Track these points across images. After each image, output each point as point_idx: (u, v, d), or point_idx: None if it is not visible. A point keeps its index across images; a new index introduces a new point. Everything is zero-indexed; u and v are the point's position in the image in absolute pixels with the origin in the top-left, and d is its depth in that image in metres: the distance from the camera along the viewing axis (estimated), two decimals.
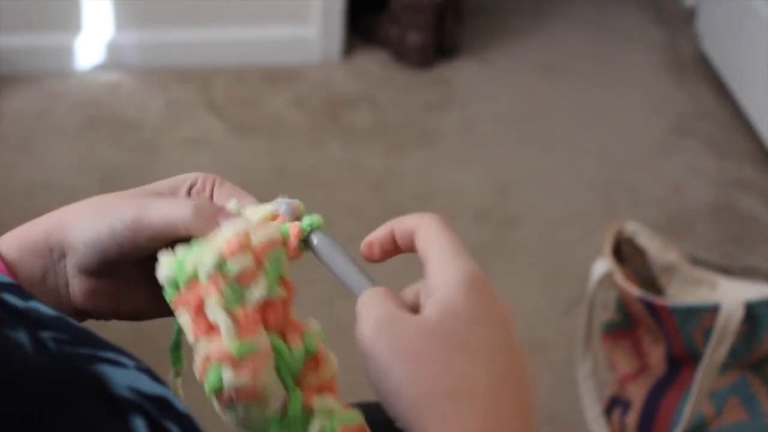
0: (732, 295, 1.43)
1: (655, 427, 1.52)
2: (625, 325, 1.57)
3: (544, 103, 2.52)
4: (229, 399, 0.58)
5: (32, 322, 0.49)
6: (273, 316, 0.61)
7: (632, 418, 1.55)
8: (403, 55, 2.60)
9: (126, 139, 2.29)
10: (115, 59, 2.50)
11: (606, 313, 1.60)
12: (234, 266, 0.60)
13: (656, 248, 1.53)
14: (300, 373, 0.61)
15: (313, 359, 0.62)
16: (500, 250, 2.06)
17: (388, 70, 2.59)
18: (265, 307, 0.61)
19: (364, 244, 0.64)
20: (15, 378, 0.41)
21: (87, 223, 0.63)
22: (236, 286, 0.60)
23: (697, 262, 1.53)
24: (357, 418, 0.61)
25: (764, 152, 2.34)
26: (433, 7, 2.56)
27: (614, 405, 1.60)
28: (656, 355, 1.53)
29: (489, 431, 0.53)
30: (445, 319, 0.55)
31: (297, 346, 0.61)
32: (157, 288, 0.63)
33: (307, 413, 0.60)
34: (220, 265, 0.60)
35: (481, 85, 2.57)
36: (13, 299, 0.52)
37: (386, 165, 2.27)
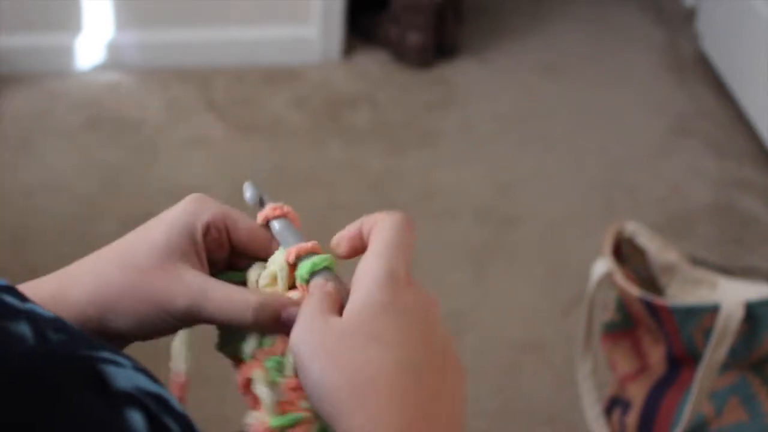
0: (732, 295, 1.43)
1: (655, 427, 1.52)
2: (625, 325, 1.57)
3: (544, 103, 2.52)
4: None
5: (33, 319, 0.49)
6: None
7: (632, 418, 1.55)
8: (403, 55, 2.60)
9: (126, 139, 2.29)
10: (115, 59, 2.50)
11: (606, 313, 1.60)
12: (268, 339, 0.62)
13: (656, 248, 1.53)
14: None
15: None
16: (500, 250, 2.06)
17: (388, 70, 2.59)
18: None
19: (333, 240, 0.64)
20: (15, 367, 0.42)
21: (127, 313, 0.61)
22: (275, 357, 0.62)
23: (697, 262, 1.53)
24: None
25: (764, 152, 2.34)
26: (433, 7, 2.56)
27: (614, 405, 1.60)
28: (656, 355, 1.53)
29: (403, 417, 0.54)
30: (361, 315, 0.57)
31: None
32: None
33: None
34: (260, 342, 0.62)
35: (481, 85, 2.57)
36: (11, 300, 0.52)
37: (386, 165, 2.27)
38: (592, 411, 1.59)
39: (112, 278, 0.61)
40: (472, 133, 2.40)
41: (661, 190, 2.25)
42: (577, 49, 2.74)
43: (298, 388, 0.61)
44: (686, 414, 1.46)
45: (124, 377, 0.47)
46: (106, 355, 0.48)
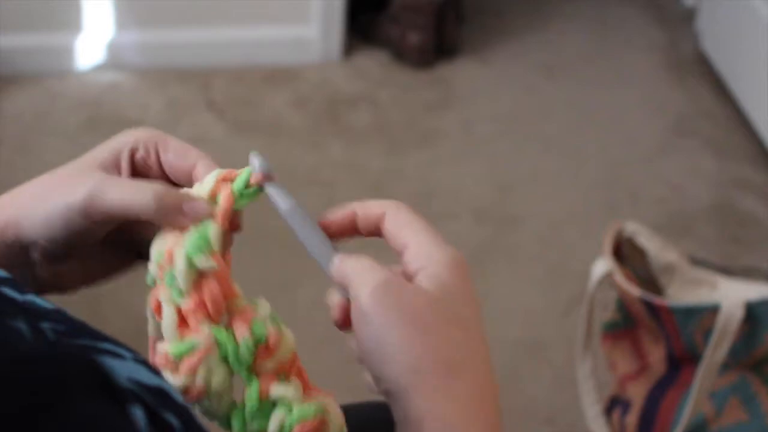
0: (732, 295, 1.43)
1: (655, 427, 1.52)
2: (625, 325, 1.57)
3: (544, 103, 2.52)
4: (189, 396, 0.59)
5: (31, 313, 0.49)
6: (210, 297, 0.59)
7: (632, 418, 1.55)
8: (403, 55, 2.60)
9: None
10: (115, 59, 2.50)
11: (606, 313, 1.60)
12: (157, 251, 0.61)
13: (656, 248, 1.53)
14: (252, 362, 0.61)
15: (264, 346, 0.60)
16: (500, 250, 2.06)
17: (388, 70, 2.59)
18: (199, 288, 0.60)
19: (320, 221, 0.63)
20: (14, 364, 0.42)
21: (36, 215, 0.61)
22: (167, 270, 0.60)
23: (697, 262, 1.53)
24: (316, 408, 0.60)
25: (764, 152, 2.34)
26: (433, 7, 2.56)
27: (614, 405, 1.60)
28: (656, 355, 1.53)
29: (476, 405, 0.55)
30: (441, 292, 0.56)
31: (244, 337, 0.60)
32: (112, 255, 0.65)
33: (268, 402, 0.60)
34: (157, 258, 0.60)
35: (481, 85, 2.57)
36: (11, 292, 0.52)
37: (386, 165, 2.27)
38: (592, 411, 1.59)
39: (29, 186, 0.63)
40: (472, 133, 2.40)
41: (661, 190, 2.25)
42: (577, 49, 2.74)
43: (199, 307, 0.59)
44: (686, 414, 1.46)
45: (124, 370, 0.47)
46: (106, 346, 0.48)
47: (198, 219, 0.61)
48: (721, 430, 1.49)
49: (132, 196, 0.60)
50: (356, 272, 0.58)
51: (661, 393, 1.52)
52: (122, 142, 0.65)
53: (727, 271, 1.52)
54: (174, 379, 0.58)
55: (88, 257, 0.65)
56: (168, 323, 0.59)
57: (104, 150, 0.64)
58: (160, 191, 0.60)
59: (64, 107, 2.37)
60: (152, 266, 0.61)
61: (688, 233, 2.12)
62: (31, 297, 0.52)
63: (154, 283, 0.61)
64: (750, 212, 2.19)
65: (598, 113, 2.49)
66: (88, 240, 0.62)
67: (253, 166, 0.67)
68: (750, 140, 2.38)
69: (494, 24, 2.82)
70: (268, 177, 0.65)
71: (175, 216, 0.60)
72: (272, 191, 0.65)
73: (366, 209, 0.63)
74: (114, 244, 0.66)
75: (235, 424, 0.60)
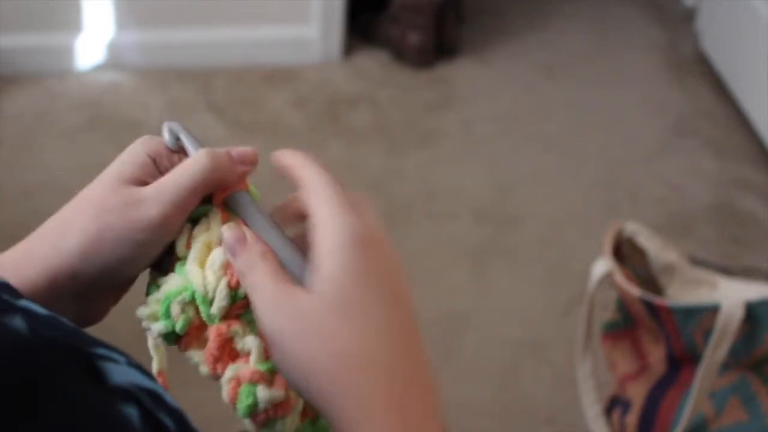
0: (732, 295, 1.43)
1: (655, 427, 1.52)
2: (625, 325, 1.57)
3: (544, 103, 2.52)
4: (265, 416, 0.59)
5: (28, 315, 0.49)
6: None
7: (632, 418, 1.55)
8: (403, 55, 2.60)
9: (126, 139, 2.26)
10: (115, 59, 2.50)
11: (606, 313, 1.60)
12: (243, 289, 0.61)
13: (656, 248, 1.53)
14: None
15: None
16: (500, 250, 2.06)
17: (388, 70, 2.59)
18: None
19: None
20: (9, 353, 0.42)
21: (104, 252, 0.59)
22: (249, 308, 0.61)
23: (697, 262, 1.53)
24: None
25: (764, 152, 2.34)
26: (433, 7, 2.56)
27: (614, 405, 1.60)
28: (656, 355, 1.53)
29: (394, 391, 0.54)
30: (338, 292, 0.55)
31: None
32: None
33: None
34: (234, 297, 0.60)
35: (481, 85, 2.57)
36: (6, 297, 0.52)
37: (386, 165, 2.27)
38: (592, 411, 1.59)
39: (73, 224, 0.60)
40: (472, 133, 2.40)
41: (661, 190, 2.25)
42: (577, 49, 2.74)
43: None
44: (686, 414, 1.46)
45: (119, 373, 0.47)
46: (101, 351, 0.48)
47: (250, 163, 0.63)
48: (721, 430, 1.49)
49: (190, 173, 0.61)
50: (255, 286, 0.58)
51: (661, 393, 1.52)
52: (139, 158, 0.64)
53: (727, 271, 1.52)
54: (268, 394, 0.58)
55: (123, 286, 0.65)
56: (258, 347, 0.59)
57: (122, 167, 0.63)
58: (207, 149, 0.62)
59: (64, 107, 2.37)
60: (216, 309, 0.61)
61: (688, 233, 2.12)
62: (25, 302, 0.52)
63: (214, 319, 0.61)
64: (750, 212, 2.19)
65: (598, 113, 2.49)
66: (151, 258, 0.62)
67: (168, 139, 0.66)
68: (750, 140, 2.38)
69: (494, 24, 2.82)
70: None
71: (229, 166, 0.62)
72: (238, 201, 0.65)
73: (294, 168, 0.63)
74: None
75: None
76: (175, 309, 0.60)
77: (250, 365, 0.59)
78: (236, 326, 0.60)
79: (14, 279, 0.58)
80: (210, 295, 0.60)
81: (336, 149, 2.30)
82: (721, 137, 2.41)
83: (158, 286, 0.62)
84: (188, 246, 0.62)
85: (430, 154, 2.31)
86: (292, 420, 0.60)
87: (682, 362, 1.50)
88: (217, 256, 0.61)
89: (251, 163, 0.64)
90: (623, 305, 1.55)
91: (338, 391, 0.54)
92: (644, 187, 2.25)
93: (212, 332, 0.60)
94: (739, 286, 1.46)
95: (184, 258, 0.61)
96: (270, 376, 0.59)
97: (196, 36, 2.55)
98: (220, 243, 0.61)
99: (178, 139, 0.65)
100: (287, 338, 0.55)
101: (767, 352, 1.46)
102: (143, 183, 0.62)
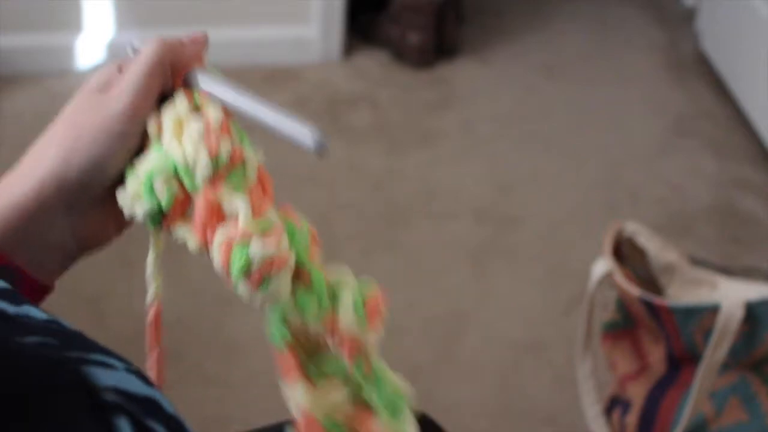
0: (732, 295, 1.43)
1: (655, 427, 1.52)
2: (625, 325, 1.57)
3: (544, 103, 2.52)
4: (259, 275, 0.58)
5: (18, 331, 0.49)
6: (267, 187, 0.64)
7: (632, 418, 1.55)
8: (403, 55, 2.60)
9: None
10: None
11: (606, 313, 1.60)
12: (224, 154, 0.62)
13: (656, 248, 1.53)
14: (308, 246, 0.62)
15: (312, 235, 0.63)
16: (500, 250, 2.06)
17: (388, 70, 2.59)
18: (258, 181, 0.63)
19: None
20: (9, 358, 0.42)
21: (80, 153, 0.62)
22: (234, 170, 0.62)
23: (697, 262, 1.53)
24: (374, 286, 0.62)
25: (764, 152, 2.34)
26: (433, 7, 2.56)
27: (614, 405, 1.60)
28: (656, 355, 1.53)
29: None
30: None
31: (301, 221, 0.63)
32: None
33: (326, 285, 0.61)
34: (216, 163, 0.61)
35: (481, 85, 2.57)
36: (3, 305, 0.52)
37: (386, 165, 2.27)
38: (592, 411, 1.59)
39: (52, 138, 0.65)
40: (472, 133, 2.40)
41: (661, 190, 2.25)
42: (577, 49, 2.74)
43: (261, 197, 0.62)
44: (686, 414, 1.46)
45: (111, 381, 0.47)
46: (98, 357, 0.48)
47: (202, 42, 0.69)
48: (721, 430, 1.49)
49: (143, 57, 0.65)
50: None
51: (661, 393, 1.52)
52: (103, 66, 0.69)
53: (727, 271, 1.52)
54: (261, 249, 0.58)
55: (115, 200, 0.65)
56: (245, 205, 0.60)
57: (93, 82, 0.67)
58: (157, 37, 0.66)
59: (64, 107, 2.37)
60: (198, 176, 0.61)
61: (688, 233, 2.12)
62: (26, 308, 0.52)
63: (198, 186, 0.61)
64: (750, 212, 2.19)
65: (598, 113, 2.49)
66: (131, 151, 0.64)
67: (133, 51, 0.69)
68: (750, 140, 2.38)
69: (494, 24, 2.82)
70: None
71: (180, 45, 0.66)
72: (204, 82, 0.68)
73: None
74: None
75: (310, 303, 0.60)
76: (159, 184, 0.61)
77: (240, 225, 0.59)
78: (222, 190, 0.60)
79: (5, 198, 0.62)
80: (192, 164, 0.61)
81: (336, 149, 2.30)
82: (721, 137, 2.41)
83: (135, 170, 0.62)
84: (159, 128, 0.63)
85: (430, 154, 2.31)
86: (286, 277, 0.59)
87: (682, 362, 1.50)
88: (193, 127, 0.62)
89: (202, 42, 0.68)
90: (623, 305, 1.55)
91: None
92: (644, 187, 2.25)
93: (199, 200, 0.60)
94: (739, 286, 1.45)
95: (158, 139, 0.63)
96: (263, 233, 0.59)
97: None
98: (189, 117, 0.63)
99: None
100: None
101: (767, 352, 1.46)
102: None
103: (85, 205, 0.63)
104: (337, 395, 0.61)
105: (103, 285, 1.86)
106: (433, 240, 2.07)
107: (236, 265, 0.58)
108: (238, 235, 0.58)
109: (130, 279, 1.86)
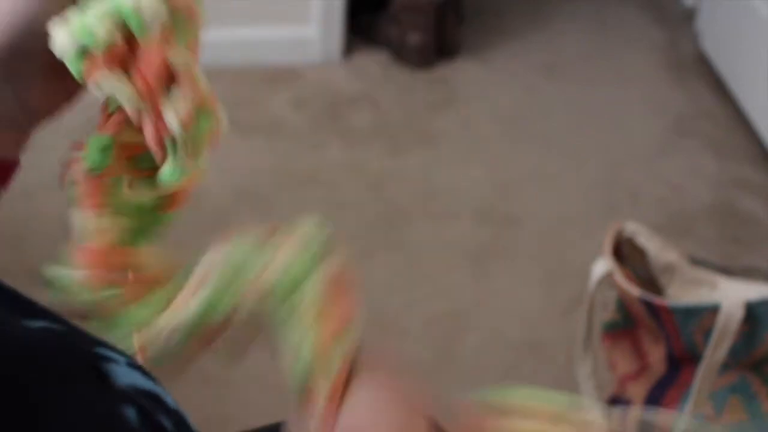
0: (732, 295, 1.43)
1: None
2: (625, 325, 1.57)
3: (544, 103, 2.52)
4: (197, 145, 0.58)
5: (26, 313, 0.49)
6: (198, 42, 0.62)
7: None
8: (403, 55, 2.60)
9: None
10: None
11: (606, 313, 1.60)
12: (182, 4, 0.60)
13: (656, 248, 1.53)
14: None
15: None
16: (500, 250, 2.06)
17: (388, 70, 2.59)
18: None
19: None
20: (12, 349, 0.42)
21: (7, 11, 0.57)
22: (186, 23, 0.60)
23: (697, 262, 1.53)
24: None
25: (764, 152, 2.34)
26: (433, 7, 2.56)
27: (614, 405, 1.60)
28: (656, 355, 1.53)
29: None
30: None
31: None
32: None
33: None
34: (172, 15, 0.59)
35: (481, 85, 2.57)
36: (6, 289, 0.52)
37: (386, 165, 2.27)
38: None
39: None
40: (472, 133, 2.40)
41: (661, 190, 2.25)
42: (577, 49, 2.74)
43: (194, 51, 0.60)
44: (686, 414, 1.46)
45: (120, 374, 0.47)
46: (102, 351, 0.48)
47: None
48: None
49: None
50: None
51: (661, 393, 1.52)
52: None
53: (727, 271, 1.52)
54: (222, 121, 0.57)
55: (63, 66, 0.61)
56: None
57: None
58: None
59: None
60: (146, 19, 0.57)
61: (688, 233, 2.12)
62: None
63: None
64: (750, 212, 2.19)
65: (598, 113, 2.49)
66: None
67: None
68: (750, 140, 2.38)
69: (494, 24, 2.82)
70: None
71: None
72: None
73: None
74: None
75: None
76: (100, 25, 0.56)
77: (201, 91, 0.57)
78: (173, 45, 0.58)
79: None
80: (145, 10, 0.57)
81: (336, 149, 2.30)
82: (721, 137, 2.41)
83: (80, 10, 0.57)
84: None
85: (430, 154, 2.31)
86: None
87: (682, 362, 1.50)
88: None
89: None
90: (623, 305, 1.55)
91: None
92: (644, 187, 2.25)
93: (150, 51, 0.57)
94: (739, 286, 1.46)
95: None
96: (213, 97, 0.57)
97: None
98: None
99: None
100: None
101: (767, 352, 1.46)
102: None
103: (27, 72, 0.59)
104: (123, 222, 0.61)
105: None
106: (433, 240, 2.07)
107: (197, 131, 0.57)
108: (203, 102, 0.57)
109: None
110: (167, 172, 0.58)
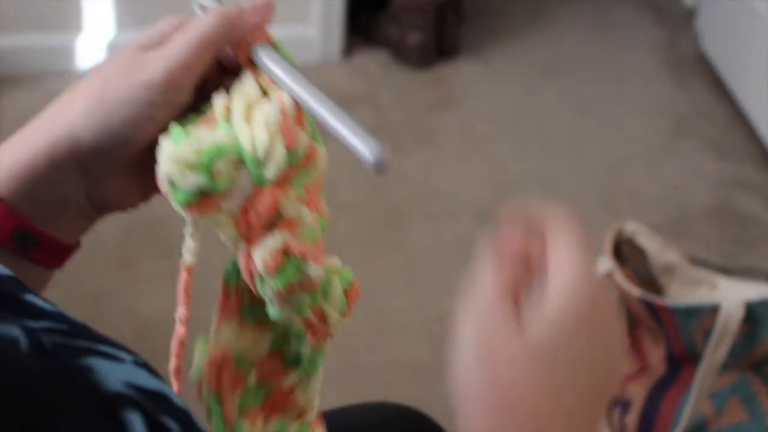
0: (732, 295, 1.43)
1: (655, 427, 1.52)
2: (625, 325, 1.57)
3: (544, 103, 2.52)
4: (294, 290, 0.56)
5: (27, 314, 0.48)
6: (319, 192, 0.59)
7: (632, 418, 1.55)
8: (403, 55, 2.60)
9: None
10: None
11: None
12: (301, 149, 0.56)
13: (656, 248, 1.53)
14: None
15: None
16: None
17: (388, 70, 2.59)
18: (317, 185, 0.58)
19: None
20: (4, 382, 0.41)
21: (96, 117, 0.56)
22: (304, 169, 0.57)
23: (697, 262, 1.53)
24: (351, 273, 0.60)
25: (764, 152, 2.34)
26: (433, 7, 2.56)
27: (614, 405, 1.60)
28: (656, 355, 1.53)
29: None
30: (547, 340, 0.52)
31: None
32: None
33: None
34: (291, 158, 0.55)
35: (481, 85, 2.57)
36: (10, 291, 0.51)
37: None
38: None
39: (80, 92, 0.58)
40: (472, 133, 2.40)
41: (661, 190, 2.25)
42: (577, 49, 2.74)
43: (317, 200, 0.58)
44: (686, 414, 1.46)
45: (120, 374, 0.46)
46: (106, 349, 0.47)
47: (264, 13, 0.60)
48: (721, 430, 1.49)
49: (197, 29, 0.57)
50: (469, 318, 0.55)
51: (661, 393, 1.52)
52: (160, 25, 0.61)
53: (727, 271, 1.52)
54: (314, 270, 0.56)
55: (143, 167, 0.59)
56: (308, 217, 0.56)
57: (146, 38, 0.60)
58: (216, 9, 0.59)
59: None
60: (271, 168, 0.55)
61: (688, 233, 2.12)
62: (31, 297, 0.51)
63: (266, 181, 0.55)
64: (750, 212, 2.19)
65: (598, 113, 2.49)
66: (158, 132, 0.57)
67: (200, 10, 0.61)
68: (750, 140, 2.38)
69: (494, 24, 2.82)
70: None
71: (240, 19, 0.58)
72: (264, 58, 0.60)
73: (537, 216, 0.58)
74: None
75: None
76: (221, 165, 0.54)
77: (301, 237, 0.55)
78: (288, 191, 0.55)
79: (20, 153, 0.58)
80: (263, 155, 0.54)
81: (336, 150, 2.29)
82: (721, 137, 2.41)
83: (191, 137, 0.55)
84: (228, 108, 0.56)
85: (430, 154, 2.31)
86: (312, 296, 0.57)
87: (682, 362, 1.50)
88: (270, 112, 0.55)
89: (265, 12, 0.60)
90: (623, 305, 1.55)
91: (480, 425, 0.52)
92: (644, 187, 2.25)
93: (264, 195, 0.55)
94: (739, 286, 1.46)
95: (225, 119, 0.56)
96: (315, 249, 0.55)
97: None
98: (260, 101, 0.56)
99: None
100: (476, 357, 0.53)
101: (767, 352, 1.46)
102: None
103: (102, 172, 0.58)
104: (260, 336, 0.60)
105: (103, 285, 1.86)
106: (433, 240, 2.07)
107: (284, 277, 0.55)
108: (296, 249, 0.55)
109: (130, 279, 1.85)
110: (269, 309, 0.58)
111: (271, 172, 0.55)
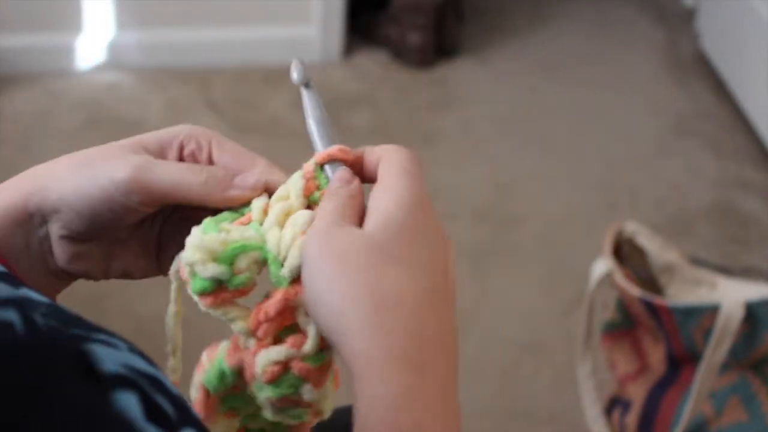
0: (732, 295, 1.43)
1: (655, 427, 1.52)
2: (625, 325, 1.57)
3: (544, 103, 2.52)
4: (285, 402, 0.58)
5: (25, 304, 0.48)
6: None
7: (632, 418, 1.55)
8: (403, 55, 2.60)
9: None
10: (115, 59, 2.50)
11: (606, 313, 1.60)
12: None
13: (656, 248, 1.53)
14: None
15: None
16: (500, 250, 2.06)
17: (388, 70, 2.59)
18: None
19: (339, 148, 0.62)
20: (2, 355, 0.41)
21: (71, 184, 0.58)
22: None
23: (697, 262, 1.53)
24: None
25: (764, 152, 2.34)
26: (433, 7, 2.56)
27: (614, 405, 1.60)
28: (656, 355, 1.53)
29: (419, 348, 0.53)
30: (387, 230, 0.55)
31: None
32: (149, 247, 0.62)
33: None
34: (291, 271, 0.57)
35: (481, 85, 2.57)
36: (4, 286, 0.51)
37: None
38: (592, 411, 1.59)
39: (65, 158, 0.60)
40: (472, 133, 2.40)
41: (661, 190, 2.25)
42: (577, 49, 2.74)
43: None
44: (686, 414, 1.46)
45: (116, 358, 0.46)
46: (100, 336, 0.48)
47: (252, 190, 0.60)
48: (721, 430, 1.49)
49: (181, 173, 0.59)
50: (318, 216, 0.57)
51: (661, 393, 1.52)
52: (173, 132, 0.63)
53: (727, 271, 1.52)
54: (312, 393, 0.58)
55: (111, 244, 0.62)
56: (315, 338, 0.57)
57: (151, 136, 0.62)
58: (212, 169, 0.60)
59: (64, 107, 2.37)
60: (288, 269, 0.56)
61: (688, 233, 2.12)
62: (25, 291, 0.52)
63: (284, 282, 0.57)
64: (750, 212, 2.19)
65: (598, 113, 2.49)
66: (118, 224, 0.60)
67: (293, 77, 0.66)
68: (750, 140, 2.38)
69: (494, 24, 2.82)
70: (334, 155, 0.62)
71: (222, 193, 0.59)
72: (307, 97, 0.65)
73: (373, 151, 0.60)
74: (143, 239, 0.63)
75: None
76: (244, 261, 0.56)
77: (304, 354, 0.56)
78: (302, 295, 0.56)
79: (4, 200, 0.58)
80: (283, 254, 0.56)
81: None
82: (721, 137, 2.41)
83: (222, 230, 0.57)
84: (265, 210, 0.59)
85: (430, 154, 2.31)
86: (306, 412, 0.59)
87: (682, 362, 1.50)
88: (299, 218, 0.57)
89: (255, 191, 0.61)
90: (623, 305, 1.55)
91: (356, 329, 0.52)
92: (644, 187, 2.25)
93: (278, 296, 0.56)
94: (739, 286, 1.46)
95: (259, 220, 0.58)
96: (317, 374, 0.57)
97: (196, 36, 2.55)
98: (299, 209, 0.58)
99: (307, 84, 0.66)
100: (316, 262, 0.54)
101: (767, 352, 1.46)
102: (148, 150, 0.61)
103: (115, 247, 0.61)
104: (230, 422, 0.62)
105: (103, 285, 1.86)
106: None
107: (279, 390, 0.57)
108: (297, 368, 0.57)
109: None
110: (264, 412, 0.60)
111: (287, 270, 0.56)
